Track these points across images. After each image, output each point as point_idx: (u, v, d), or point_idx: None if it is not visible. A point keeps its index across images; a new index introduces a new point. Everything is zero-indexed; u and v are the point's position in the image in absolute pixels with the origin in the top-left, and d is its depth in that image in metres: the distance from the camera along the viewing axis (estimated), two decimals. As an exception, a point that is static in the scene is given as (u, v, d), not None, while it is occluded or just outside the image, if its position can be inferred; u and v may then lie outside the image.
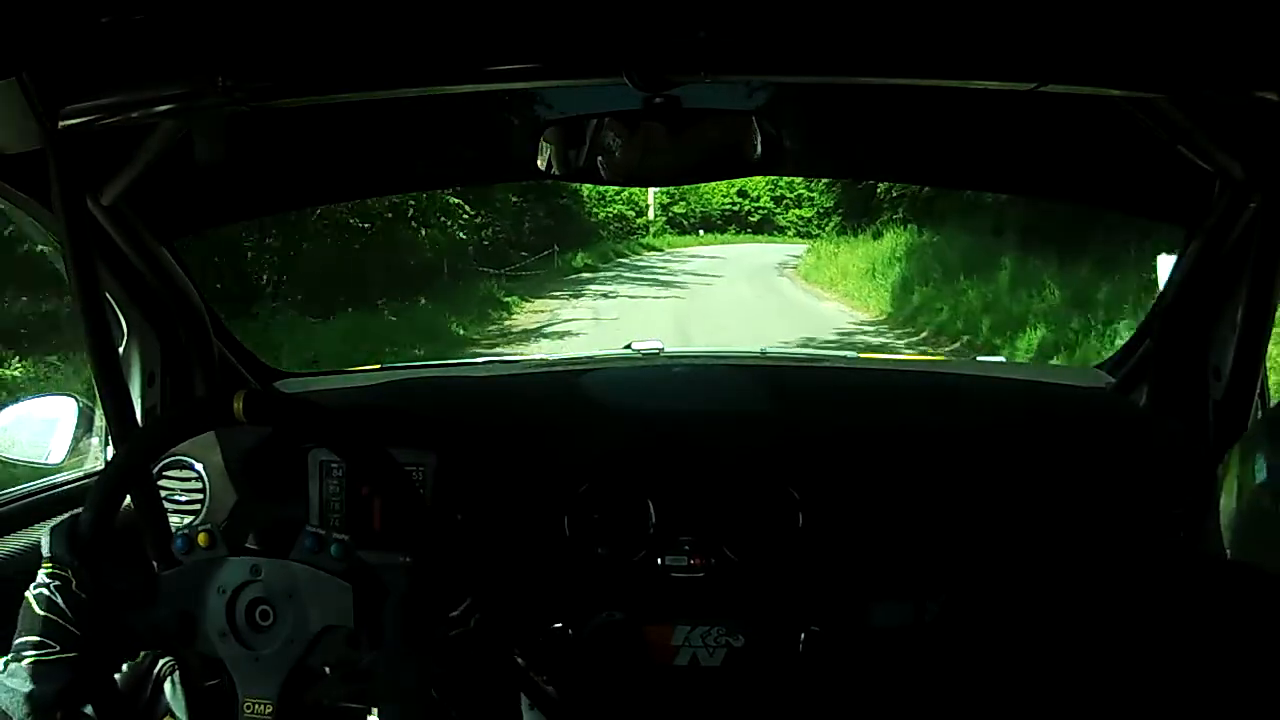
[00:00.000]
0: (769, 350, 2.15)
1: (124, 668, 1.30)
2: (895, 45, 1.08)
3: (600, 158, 1.35)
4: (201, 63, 1.09)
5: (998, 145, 1.71)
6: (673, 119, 1.29)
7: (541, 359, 2.17)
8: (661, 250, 31.88)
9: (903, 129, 1.72)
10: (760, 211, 40.20)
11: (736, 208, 39.77)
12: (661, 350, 2.02)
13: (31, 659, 1.07)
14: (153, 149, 1.36)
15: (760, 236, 38.60)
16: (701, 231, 38.59)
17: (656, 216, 37.84)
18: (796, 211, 39.22)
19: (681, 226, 39.07)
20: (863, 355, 2.16)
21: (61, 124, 1.08)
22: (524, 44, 1.09)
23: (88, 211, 1.37)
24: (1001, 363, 2.24)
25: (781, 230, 39.22)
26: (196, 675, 1.30)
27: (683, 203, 38.96)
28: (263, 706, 1.16)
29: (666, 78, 1.14)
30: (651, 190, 30.86)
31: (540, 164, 1.39)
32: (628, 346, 2.06)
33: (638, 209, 35.75)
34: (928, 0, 1.05)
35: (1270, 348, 1.40)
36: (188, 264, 1.68)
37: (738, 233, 39.51)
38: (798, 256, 26.25)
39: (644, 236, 34.77)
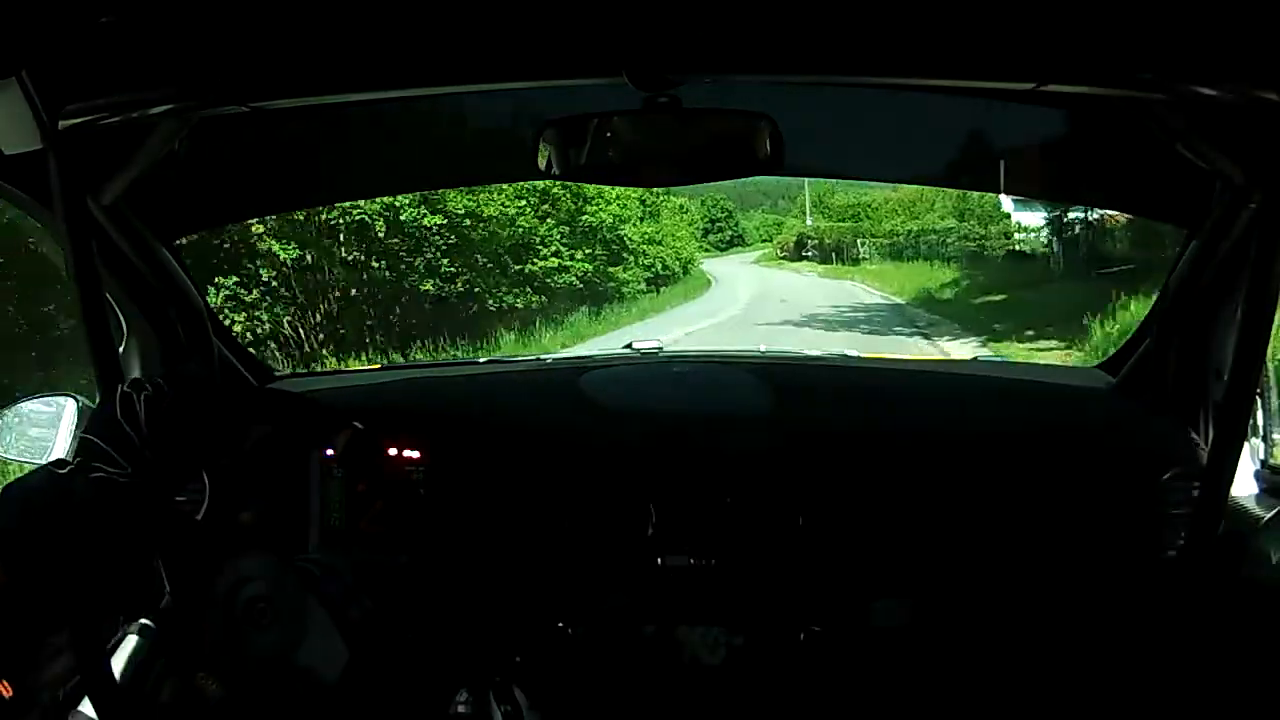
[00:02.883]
0: (769, 350, 2.15)
1: (122, 665, 1.30)
2: (895, 45, 1.08)
3: (600, 157, 1.35)
4: (201, 63, 1.09)
5: (998, 145, 1.71)
6: (673, 118, 1.29)
7: (541, 358, 2.17)
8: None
9: (903, 129, 1.72)
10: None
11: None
12: (661, 349, 2.02)
13: (90, 468, 1.04)
14: (153, 149, 1.35)
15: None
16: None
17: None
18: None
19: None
20: (863, 355, 2.17)
21: (61, 124, 1.08)
22: (524, 44, 1.09)
23: (88, 211, 1.37)
24: (1002, 363, 2.24)
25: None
26: (195, 673, 1.30)
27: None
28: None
29: (666, 77, 1.14)
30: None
31: (540, 164, 1.39)
32: (628, 346, 2.06)
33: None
34: (928, 0, 1.04)
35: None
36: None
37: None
38: None
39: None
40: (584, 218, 17.17)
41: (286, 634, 1.23)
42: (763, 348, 2.21)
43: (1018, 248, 25.36)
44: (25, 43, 1.01)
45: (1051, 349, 12.20)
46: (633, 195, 19.12)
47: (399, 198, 11.75)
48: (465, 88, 1.19)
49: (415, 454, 1.67)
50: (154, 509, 1.09)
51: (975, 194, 23.91)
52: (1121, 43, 1.04)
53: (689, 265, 27.14)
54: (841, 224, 37.21)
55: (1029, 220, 24.76)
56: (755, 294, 22.59)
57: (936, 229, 30.74)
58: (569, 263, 16.58)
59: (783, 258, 38.26)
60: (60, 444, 1.68)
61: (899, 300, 21.06)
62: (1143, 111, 1.25)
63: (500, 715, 1.61)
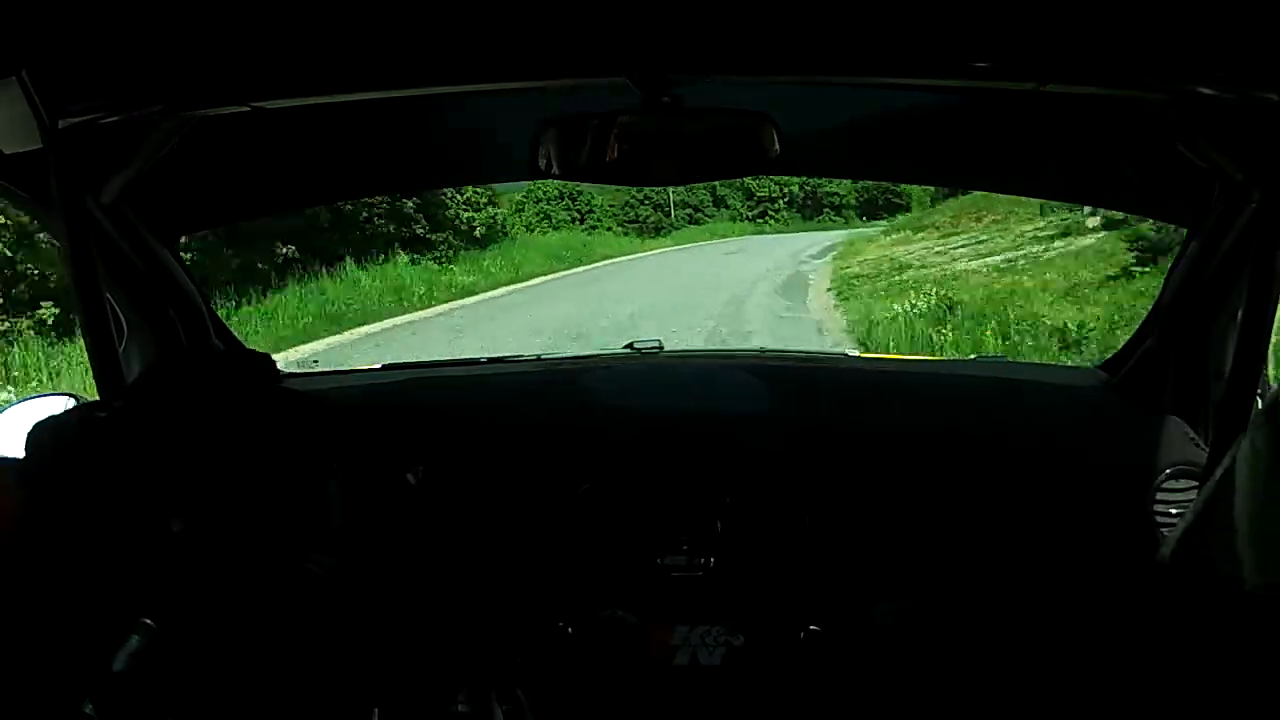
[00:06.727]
0: (769, 349, 2.15)
1: (122, 665, 1.30)
2: (896, 45, 1.08)
3: (601, 157, 1.35)
4: (201, 63, 1.09)
5: (999, 145, 1.71)
6: (674, 118, 1.29)
7: (542, 358, 2.17)
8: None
9: (905, 129, 1.72)
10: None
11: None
12: (661, 348, 2.02)
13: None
14: (153, 149, 1.35)
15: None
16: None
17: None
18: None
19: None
20: (863, 355, 2.17)
21: (61, 124, 1.08)
22: (525, 44, 1.09)
23: (88, 211, 1.37)
24: (1002, 362, 2.24)
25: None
26: (195, 671, 1.30)
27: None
28: None
29: (668, 77, 1.14)
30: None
31: (540, 164, 1.39)
32: (628, 345, 2.06)
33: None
34: (929, 0, 1.05)
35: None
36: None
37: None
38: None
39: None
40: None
41: (287, 634, 1.23)
42: (763, 347, 2.21)
43: None
44: (25, 43, 1.01)
45: None
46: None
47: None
48: (465, 87, 1.19)
49: (416, 453, 1.67)
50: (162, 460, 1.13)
51: None
52: (1122, 42, 1.04)
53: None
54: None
55: None
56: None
57: None
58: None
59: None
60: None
61: None
62: (1143, 111, 1.25)
63: (501, 715, 1.61)
